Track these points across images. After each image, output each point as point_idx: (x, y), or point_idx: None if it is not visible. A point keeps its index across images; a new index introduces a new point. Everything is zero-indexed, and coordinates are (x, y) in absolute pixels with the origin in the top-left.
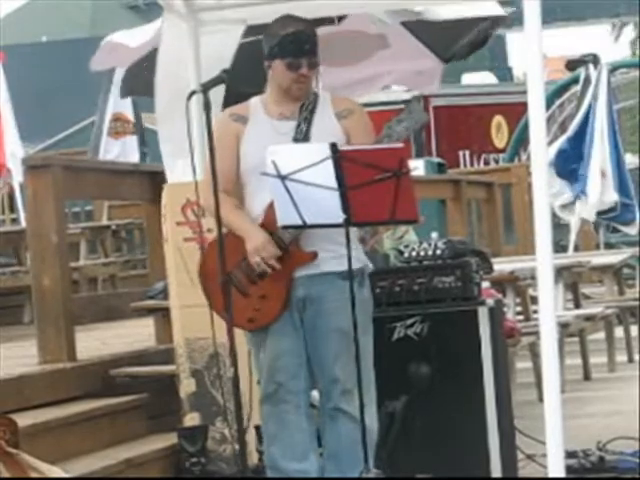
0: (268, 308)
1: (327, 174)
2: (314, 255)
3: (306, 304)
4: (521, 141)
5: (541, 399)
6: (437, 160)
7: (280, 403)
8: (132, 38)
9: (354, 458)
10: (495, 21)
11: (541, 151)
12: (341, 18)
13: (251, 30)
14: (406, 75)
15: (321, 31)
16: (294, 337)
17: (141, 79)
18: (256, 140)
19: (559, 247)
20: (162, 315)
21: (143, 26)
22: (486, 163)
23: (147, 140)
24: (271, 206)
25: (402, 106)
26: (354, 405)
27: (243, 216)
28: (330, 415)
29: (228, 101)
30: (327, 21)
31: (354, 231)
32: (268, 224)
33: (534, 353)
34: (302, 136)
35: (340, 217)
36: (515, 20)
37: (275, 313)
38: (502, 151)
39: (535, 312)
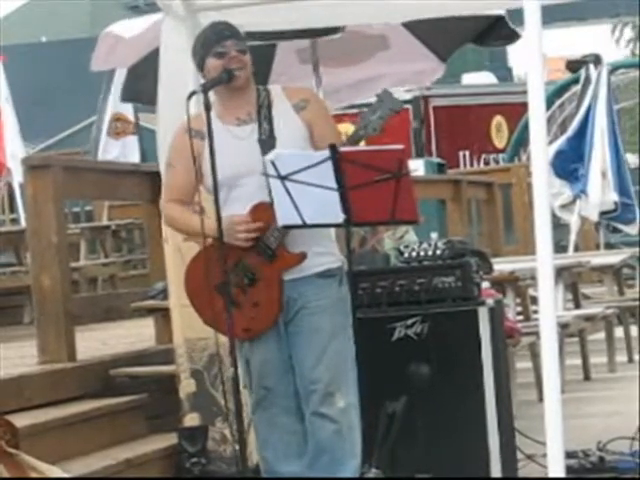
0: (262, 315)
1: (327, 175)
2: (303, 256)
3: (288, 306)
4: (521, 141)
5: (541, 399)
6: (437, 160)
7: (270, 407)
8: (126, 29)
9: (334, 462)
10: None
11: (541, 151)
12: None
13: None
14: (406, 76)
15: None
16: (279, 341)
17: (143, 87)
18: (219, 154)
19: (559, 247)
20: (162, 315)
21: (138, 18)
22: (486, 163)
23: (145, 139)
24: (251, 211)
25: (405, 106)
26: (335, 408)
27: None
28: (309, 420)
29: None
30: (331, 31)
31: (331, 230)
32: None
33: (534, 353)
34: (267, 136)
35: (340, 217)
36: (515, 20)
37: (270, 319)
38: (502, 151)
39: (535, 312)
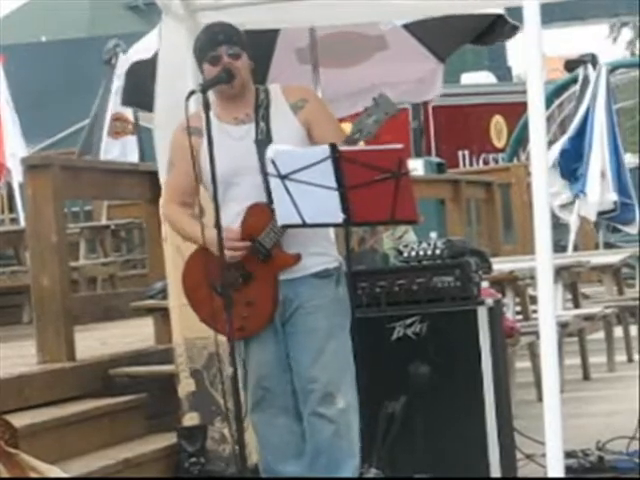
0: (256, 314)
1: (327, 174)
2: (298, 257)
3: (284, 307)
4: (520, 141)
5: (540, 399)
6: (436, 160)
7: (269, 407)
8: (146, 51)
9: (332, 462)
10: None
11: (541, 151)
12: None
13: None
14: (408, 88)
15: (320, 33)
16: (276, 342)
17: (144, 92)
18: (215, 152)
19: (559, 247)
20: (161, 315)
21: (150, 35)
22: (485, 163)
23: (144, 139)
24: (248, 211)
25: (406, 106)
26: (334, 408)
27: (199, 226)
28: (308, 421)
29: None
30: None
31: (330, 230)
32: (247, 230)
33: (533, 353)
34: (264, 136)
35: (340, 217)
36: (515, 19)
37: (264, 319)
38: (501, 151)
39: (534, 312)
